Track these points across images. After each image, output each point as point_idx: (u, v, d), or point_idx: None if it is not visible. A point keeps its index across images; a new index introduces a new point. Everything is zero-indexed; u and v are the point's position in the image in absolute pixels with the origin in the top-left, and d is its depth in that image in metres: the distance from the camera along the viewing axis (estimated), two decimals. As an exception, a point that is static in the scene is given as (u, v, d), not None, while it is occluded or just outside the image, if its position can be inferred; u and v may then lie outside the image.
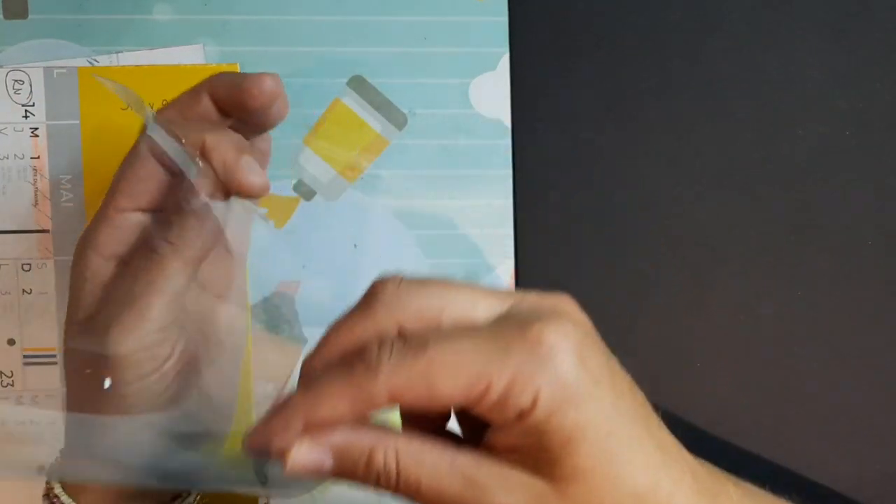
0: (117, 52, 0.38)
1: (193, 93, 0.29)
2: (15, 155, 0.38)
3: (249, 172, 0.28)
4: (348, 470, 0.24)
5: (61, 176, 0.38)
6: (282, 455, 0.23)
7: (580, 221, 0.40)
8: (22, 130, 0.38)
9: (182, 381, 0.29)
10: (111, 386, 0.27)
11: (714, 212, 0.40)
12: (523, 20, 0.40)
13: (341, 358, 0.24)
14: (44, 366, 0.38)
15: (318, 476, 0.24)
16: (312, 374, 0.24)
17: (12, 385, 0.38)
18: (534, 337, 0.23)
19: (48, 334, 0.38)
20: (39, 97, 0.38)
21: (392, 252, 0.39)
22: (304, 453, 0.23)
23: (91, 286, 0.28)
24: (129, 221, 0.29)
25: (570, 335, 0.23)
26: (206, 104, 0.29)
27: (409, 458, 0.23)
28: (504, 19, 0.40)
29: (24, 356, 0.38)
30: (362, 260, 0.39)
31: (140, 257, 0.28)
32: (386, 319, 0.24)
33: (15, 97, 0.38)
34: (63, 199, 0.38)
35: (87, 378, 0.28)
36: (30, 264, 0.38)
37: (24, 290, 0.38)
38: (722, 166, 0.40)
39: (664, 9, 0.40)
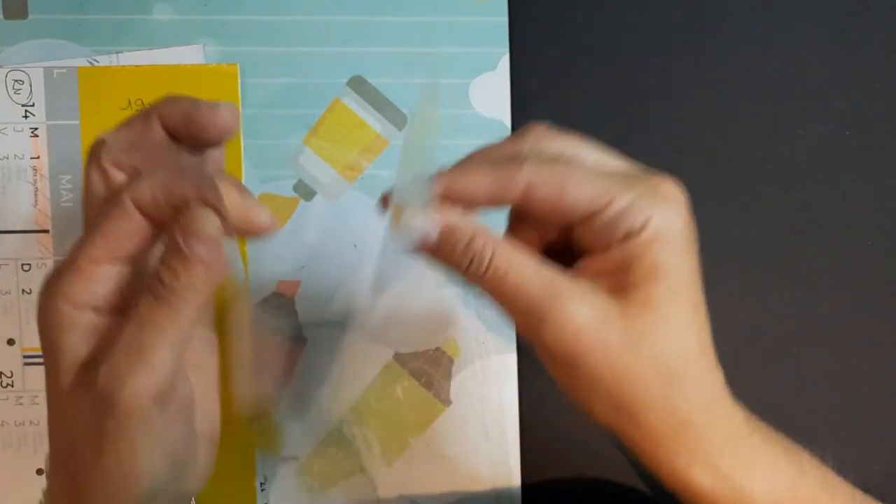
0: (117, 53, 0.38)
1: (145, 118, 0.28)
2: (15, 155, 0.38)
3: (260, 212, 0.27)
4: (448, 248, 0.27)
5: (61, 176, 0.38)
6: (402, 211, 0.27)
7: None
8: (22, 130, 0.38)
9: (182, 428, 0.28)
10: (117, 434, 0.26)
11: (714, 212, 0.40)
12: (523, 20, 0.40)
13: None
14: (43, 366, 0.38)
15: (418, 247, 0.27)
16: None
17: (12, 385, 0.38)
18: (657, 181, 0.27)
19: None
20: (39, 97, 0.38)
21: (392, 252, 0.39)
22: (419, 219, 0.26)
23: (74, 337, 0.26)
24: (104, 273, 0.27)
25: (685, 199, 0.28)
26: (158, 131, 0.28)
27: (503, 252, 0.26)
28: (504, 19, 0.40)
29: (24, 356, 0.38)
30: (362, 260, 0.39)
31: (145, 303, 0.26)
32: (533, 146, 0.27)
33: (15, 97, 0.38)
34: (63, 199, 0.38)
35: (86, 430, 0.26)
36: (30, 264, 0.38)
37: (23, 290, 0.38)
38: (722, 166, 0.40)
39: (664, 9, 0.40)
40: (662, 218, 0.26)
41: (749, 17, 0.41)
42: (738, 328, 0.40)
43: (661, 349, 0.26)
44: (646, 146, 0.40)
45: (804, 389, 0.40)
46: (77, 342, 0.26)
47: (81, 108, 0.38)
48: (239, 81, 0.38)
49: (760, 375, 0.40)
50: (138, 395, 0.25)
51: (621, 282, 0.26)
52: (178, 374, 0.27)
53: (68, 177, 0.38)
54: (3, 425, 0.38)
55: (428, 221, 0.27)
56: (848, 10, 0.41)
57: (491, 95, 0.40)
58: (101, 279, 0.27)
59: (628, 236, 0.26)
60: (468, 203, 0.27)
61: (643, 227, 0.26)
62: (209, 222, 0.26)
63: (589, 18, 0.40)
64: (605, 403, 0.27)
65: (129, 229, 0.26)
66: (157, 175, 0.27)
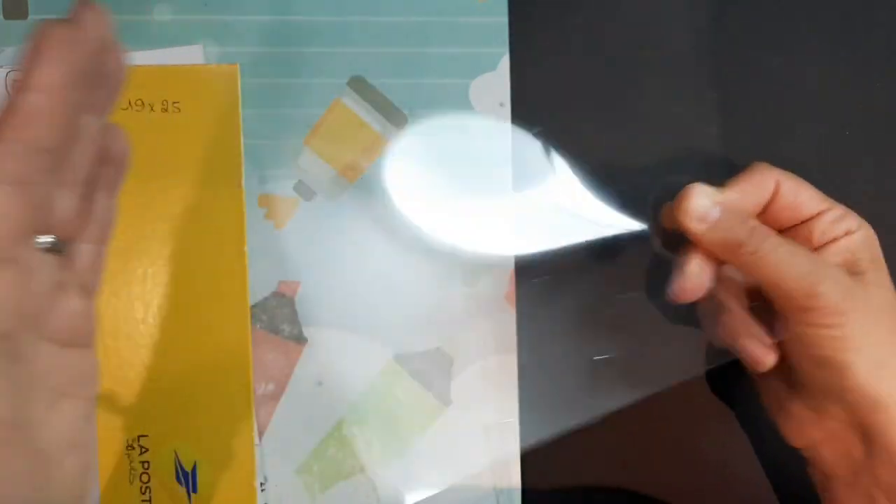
0: (118, 53, 0.38)
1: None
2: None
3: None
4: (729, 223, 0.32)
5: None
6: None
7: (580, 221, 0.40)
8: None
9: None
10: None
11: (714, 212, 0.40)
12: (523, 20, 0.40)
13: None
14: None
15: (700, 224, 0.33)
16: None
17: None
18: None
19: None
20: None
21: (392, 252, 0.39)
22: (704, 200, 0.33)
23: None
24: None
25: None
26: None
27: (775, 235, 0.32)
28: (504, 19, 0.40)
29: None
30: (362, 260, 0.39)
31: None
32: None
33: None
34: None
35: None
36: None
37: None
38: (722, 166, 0.40)
39: (664, 9, 0.40)
40: (867, 227, 0.34)
41: (750, 16, 0.41)
42: None
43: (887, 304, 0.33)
44: (646, 146, 0.40)
45: None
46: None
47: None
48: (239, 81, 0.38)
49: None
50: None
51: (852, 269, 0.33)
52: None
53: None
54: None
55: (712, 201, 0.32)
56: (848, 10, 0.41)
57: (491, 95, 0.40)
58: None
59: (849, 233, 0.33)
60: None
61: (858, 229, 0.34)
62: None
63: (589, 18, 0.40)
64: (867, 362, 0.32)
65: None
66: None
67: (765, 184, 0.34)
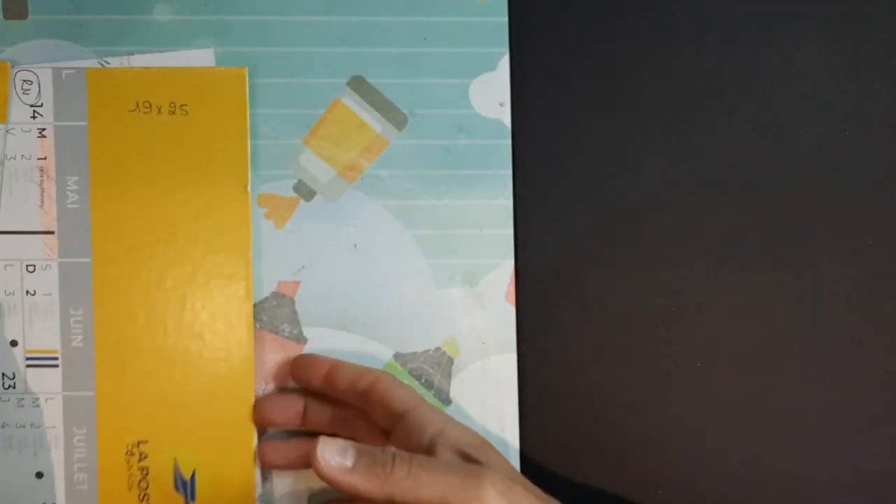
0: (128, 55, 0.38)
1: None
2: (22, 155, 0.38)
3: None
4: (367, 463, 0.30)
5: (68, 177, 0.38)
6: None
7: (580, 221, 0.40)
8: (30, 131, 0.38)
9: None
10: None
11: (714, 212, 0.40)
12: (523, 20, 0.40)
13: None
14: (46, 368, 0.38)
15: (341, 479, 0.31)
16: None
17: (14, 387, 0.38)
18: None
19: (51, 336, 0.38)
20: (48, 98, 0.38)
21: (392, 252, 0.39)
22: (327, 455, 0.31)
23: None
24: None
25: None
26: None
27: (415, 455, 0.31)
28: (504, 19, 0.40)
29: (27, 358, 0.38)
30: (362, 260, 0.39)
31: None
32: None
33: (23, 97, 0.38)
34: (69, 200, 0.38)
35: None
36: (34, 265, 0.38)
37: (27, 292, 0.38)
38: (722, 166, 0.40)
39: (664, 9, 0.40)
40: (417, 402, 0.35)
41: (749, 16, 0.41)
42: (738, 328, 0.40)
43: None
44: (646, 146, 0.40)
45: (803, 389, 0.40)
46: None
47: (90, 109, 0.38)
48: (247, 84, 0.38)
49: (760, 375, 0.40)
50: None
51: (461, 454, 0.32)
52: None
53: (75, 178, 0.38)
54: (3, 427, 0.38)
55: (342, 451, 0.31)
56: (848, 10, 0.41)
57: (491, 95, 0.40)
58: None
59: (408, 418, 0.34)
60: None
61: (415, 407, 0.34)
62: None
63: (589, 18, 0.40)
64: None
65: None
66: None
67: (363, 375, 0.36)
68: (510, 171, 0.39)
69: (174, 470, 0.37)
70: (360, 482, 0.30)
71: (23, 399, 0.38)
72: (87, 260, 0.38)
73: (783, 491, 0.40)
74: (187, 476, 0.37)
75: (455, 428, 0.34)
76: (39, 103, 0.38)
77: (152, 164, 0.38)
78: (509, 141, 0.40)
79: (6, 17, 0.38)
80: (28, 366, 0.38)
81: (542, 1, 0.40)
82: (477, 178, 0.40)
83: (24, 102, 0.38)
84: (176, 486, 0.37)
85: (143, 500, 0.37)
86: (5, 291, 0.38)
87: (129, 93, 0.38)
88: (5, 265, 0.38)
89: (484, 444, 0.34)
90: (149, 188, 0.38)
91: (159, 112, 0.38)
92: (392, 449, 0.31)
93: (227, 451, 0.37)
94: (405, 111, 0.39)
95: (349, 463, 0.30)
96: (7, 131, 0.38)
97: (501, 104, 0.40)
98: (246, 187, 0.38)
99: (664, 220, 0.40)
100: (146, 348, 0.37)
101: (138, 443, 0.37)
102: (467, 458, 0.32)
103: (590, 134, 0.40)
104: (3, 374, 0.38)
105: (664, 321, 0.40)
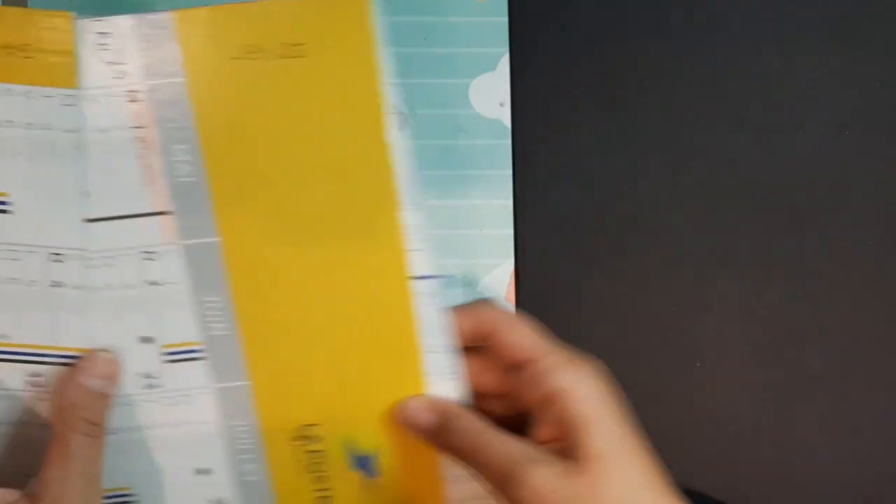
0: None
1: None
2: (114, 126, 0.32)
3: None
4: (439, 425, 0.32)
5: (174, 146, 0.32)
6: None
7: (580, 221, 0.40)
8: (117, 95, 0.31)
9: None
10: None
11: (714, 212, 0.40)
12: (523, 20, 0.40)
13: None
14: (188, 361, 0.33)
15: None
16: None
17: (157, 386, 0.33)
18: (579, 359, 0.32)
19: (187, 327, 0.33)
20: (132, 53, 0.31)
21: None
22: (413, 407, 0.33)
23: None
24: None
25: (604, 371, 0.31)
26: None
27: (473, 425, 0.31)
28: (504, 19, 0.40)
29: (164, 353, 0.33)
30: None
31: (78, 443, 0.30)
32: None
33: (102, 54, 0.31)
34: (181, 173, 0.32)
35: None
36: (153, 252, 0.33)
37: (150, 282, 0.33)
38: (722, 166, 0.40)
39: (664, 9, 0.40)
40: (587, 380, 0.30)
41: (749, 16, 0.41)
42: (739, 327, 0.40)
43: (614, 496, 0.28)
44: (646, 146, 0.40)
45: (804, 389, 0.40)
46: None
47: (184, 61, 0.31)
48: (373, 12, 0.32)
49: (760, 375, 0.40)
50: None
51: (566, 445, 0.29)
52: None
53: (183, 146, 0.32)
54: (152, 429, 0.34)
55: (425, 405, 0.33)
56: (848, 10, 0.41)
57: (491, 95, 0.39)
58: None
59: (557, 394, 0.30)
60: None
61: (572, 386, 0.30)
62: (102, 359, 0.32)
63: (589, 18, 0.40)
64: None
65: None
66: None
67: (481, 321, 0.33)
68: (510, 171, 0.39)
69: (348, 448, 0.34)
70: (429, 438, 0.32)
71: (169, 397, 0.34)
72: (214, 239, 0.32)
73: (783, 490, 0.40)
74: (363, 452, 0.34)
75: (564, 406, 0.30)
76: (123, 61, 0.31)
77: (270, 119, 0.32)
78: (509, 141, 0.40)
79: None
80: (167, 361, 0.33)
81: (542, 1, 0.40)
82: (477, 178, 0.40)
83: (102, 61, 0.31)
84: (353, 464, 0.34)
85: (319, 483, 0.34)
86: (125, 284, 0.33)
87: (229, 37, 0.31)
88: (118, 254, 0.32)
89: (592, 424, 0.30)
90: (271, 147, 0.32)
91: (269, 56, 0.32)
92: (461, 424, 0.31)
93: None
94: (405, 111, 0.39)
95: (424, 424, 0.32)
96: (84, 99, 0.31)
97: (501, 104, 0.40)
98: (384, 132, 0.32)
99: (664, 220, 0.40)
100: (296, 325, 0.33)
101: (305, 426, 0.34)
102: (565, 450, 0.30)
103: (590, 134, 0.40)
104: (144, 375, 0.33)
105: (664, 320, 0.40)
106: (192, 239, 0.32)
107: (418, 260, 0.33)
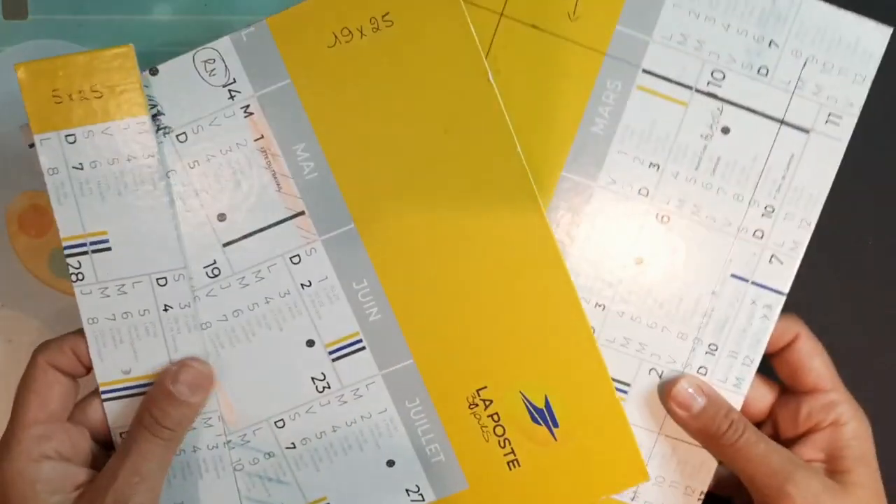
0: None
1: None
2: (237, 144, 0.33)
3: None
4: (711, 413, 0.33)
5: (294, 147, 0.33)
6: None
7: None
8: (233, 114, 0.33)
9: None
10: None
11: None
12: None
13: None
14: (353, 355, 0.34)
15: (684, 409, 0.34)
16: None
17: (329, 387, 0.34)
18: (851, 398, 0.36)
19: (345, 321, 0.33)
20: (238, 70, 0.33)
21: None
22: (691, 388, 0.34)
23: (42, 488, 0.31)
24: (45, 431, 0.31)
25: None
26: None
27: (753, 430, 0.33)
28: (504, 19, 0.39)
29: (330, 352, 0.34)
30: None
31: (143, 439, 0.31)
32: None
33: (212, 80, 0.33)
34: (305, 171, 0.33)
35: None
36: (298, 255, 0.33)
37: (302, 285, 0.34)
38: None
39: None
40: (860, 419, 0.34)
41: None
42: None
43: None
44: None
45: None
46: (47, 491, 0.30)
47: (286, 63, 0.33)
48: None
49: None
50: None
51: (835, 466, 0.33)
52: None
53: (301, 145, 0.33)
54: (335, 430, 0.34)
55: (698, 390, 0.34)
56: (847, 10, 0.40)
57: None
58: (43, 437, 0.31)
59: (836, 423, 0.34)
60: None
61: (848, 421, 0.34)
62: (193, 369, 0.32)
63: None
64: None
65: (52, 380, 0.32)
66: (63, 336, 0.32)
67: (786, 331, 0.35)
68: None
69: (525, 404, 0.34)
70: (694, 429, 0.34)
71: (343, 395, 0.34)
72: (350, 227, 0.33)
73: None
74: (541, 404, 0.34)
75: (843, 436, 0.34)
76: (231, 80, 0.33)
77: (376, 96, 0.33)
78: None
79: (6, 17, 0.38)
80: (334, 359, 0.34)
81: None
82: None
83: (213, 85, 0.33)
84: (534, 419, 0.34)
85: (504, 446, 0.34)
86: (279, 293, 0.33)
87: (320, 27, 0.32)
88: (269, 266, 0.33)
89: (860, 459, 0.34)
90: (383, 124, 0.33)
91: (361, 35, 0.32)
92: (736, 414, 0.33)
93: (572, 363, 0.34)
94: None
95: (696, 408, 0.33)
96: (205, 127, 0.33)
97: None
98: (488, 78, 0.32)
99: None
100: (448, 295, 0.33)
101: (477, 391, 0.34)
102: (831, 472, 0.33)
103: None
104: (313, 378, 0.34)
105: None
106: (330, 232, 0.33)
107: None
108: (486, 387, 0.34)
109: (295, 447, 0.34)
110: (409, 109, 0.33)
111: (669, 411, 0.34)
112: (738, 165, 0.34)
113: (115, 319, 0.33)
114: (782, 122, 0.34)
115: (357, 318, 0.34)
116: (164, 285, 0.33)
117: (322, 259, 0.33)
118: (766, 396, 0.36)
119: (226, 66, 0.33)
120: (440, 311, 0.34)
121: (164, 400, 0.31)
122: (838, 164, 0.34)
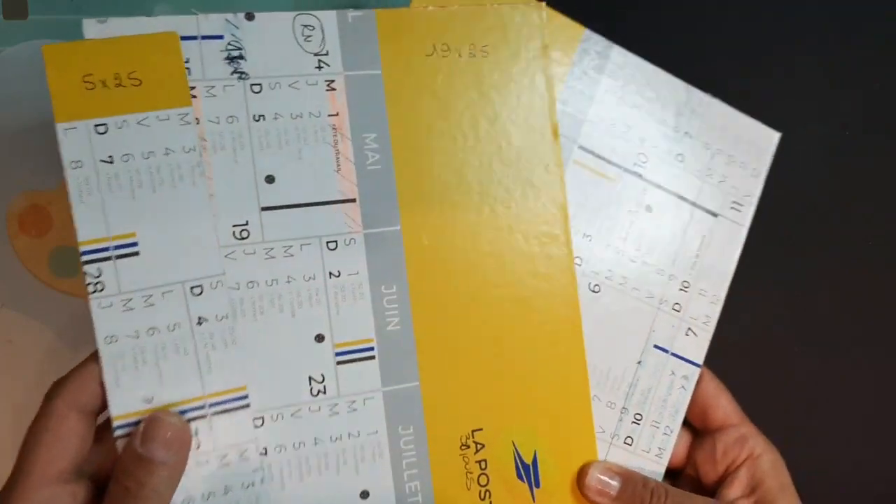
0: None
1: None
2: (310, 112, 0.32)
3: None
4: (630, 491, 0.33)
5: (365, 134, 0.32)
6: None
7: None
8: (316, 84, 0.32)
9: None
10: None
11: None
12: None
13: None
14: (360, 362, 0.31)
15: (606, 498, 0.33)
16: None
17: (324, 391, 0.31)
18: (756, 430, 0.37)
19: (362, 323, 0.31)
20: (334, 45, 0.32)
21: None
22: (601, 475, 0.33)
23: None
24: (54, 481, 0.27)
25: None
26: None
27: (675, 492, 0.33)
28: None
29: (336, 354, 0.31)
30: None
31: None
32: None
33: (306, 45, 0.32)
34: (369, 160, 0.32)
35: None
36: (336, 241, 0.32)
37: (331, 273, 0.31)
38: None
39: (663, 9, 0.40)
40: (772, 450, 0.35)
41: (749, 16, 0.41)
42: (737, 328, 0.39)
43: None
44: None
45: (803, 390, 0.41)
46: None
47: (382, 55, 0.32)
48: (544, 22, 0.35)
49: (760, 376, 0.41)
50: None
51: (762, 499, 0.34)
52: None
53: (373, 135, 0.32)
54: (316, 443, 0.31)
55: (608, 472, 0.33)
56: (848, 11, 0.41)
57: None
58: (51, 487, 0.27)
59: (751, 457, 0.34)
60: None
61: (762, 454, 0.34)
62: (165, 425, 0.27)
63: (588, 19, 0.38)
64: None
65: (68, 431, 0.27)
66: (78, 368, 0.28)
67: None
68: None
69: (515, 455, 0.33)
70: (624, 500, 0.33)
71: (336, 405, 0.31)
72: (396, 228, 0.32)
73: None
74: (529, 459, 0.33)
75: (760, 468, 0.34)
76: (324, 51, 0.32)
77: (455, 113, 0.33)
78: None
79: (6, 17, 0.37)
80: (339, 363, 0.31)
81: (542, 1, 0.39)
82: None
83: (306, 51, 0.32)
84: (518, 474, 0.33)
85: (484, 498, 0.33)
86: (304, 276, 0.31)
87: (425, 35, 0.33)
88: (301, 244, 0.31)
89: (783, 489, 0.34)
90: (452, 141, 0.33)
91: (459, 55, 0.33)
92: (653, 483, 0.33)
93: (566, 422, 0.34)
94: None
95: (613, 491, 0.33)
96: (282, 86, 0.32)
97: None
98: (556, 133, 0.34)
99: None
100: (469, 321, 0.33)
101: (472, 431, 0.33)
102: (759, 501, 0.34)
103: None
104: (311, 378, 0.31)
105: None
106: (376, 227, 0.32)
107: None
108: (481, 429, 0.33)
109: (266, 454, 0.30)
110: (478, 136, 0.33)
111: (591, 501, 0.34)
112: (660, 242, 0.36)
113: (138, 337, 0.29)
114: (695, 205, 0.37)
115: (376, 323, 0.32)
116: (199, 294, 0.30)
117: (359, 252, 0.32)
118: (682, 441, 0.36)
119: (324, 36, 0.32)
120: (459, 339, 0.33)
121: (134, 466, 0.27)
122: (741, 246, 0.36)
